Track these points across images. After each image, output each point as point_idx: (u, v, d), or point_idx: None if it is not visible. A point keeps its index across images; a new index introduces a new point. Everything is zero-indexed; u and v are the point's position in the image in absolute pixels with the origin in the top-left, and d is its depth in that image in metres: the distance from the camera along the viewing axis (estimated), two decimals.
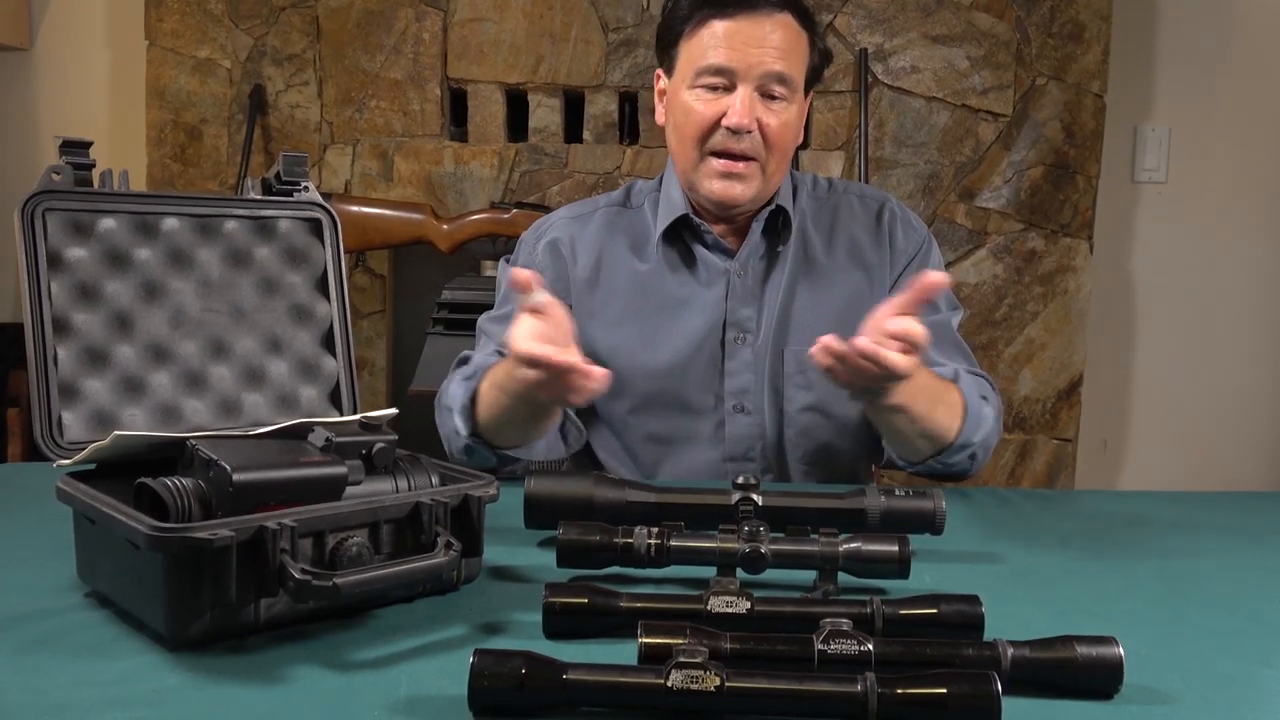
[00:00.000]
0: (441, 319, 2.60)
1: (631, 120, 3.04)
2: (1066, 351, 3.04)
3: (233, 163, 3.02)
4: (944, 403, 1.34)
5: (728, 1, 1.40)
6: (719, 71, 1.40)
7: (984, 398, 1.40)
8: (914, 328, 1.13)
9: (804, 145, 2.98)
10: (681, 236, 1.51)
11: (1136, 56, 3.19)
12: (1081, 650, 0.79)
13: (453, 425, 1.37)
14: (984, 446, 1.39)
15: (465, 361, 1.50)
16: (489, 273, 2.81)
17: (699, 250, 1.50)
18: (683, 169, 1.48)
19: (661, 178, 1.57)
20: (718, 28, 1.40)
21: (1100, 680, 0.79)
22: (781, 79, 1.40)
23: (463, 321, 2.54)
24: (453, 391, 1.39)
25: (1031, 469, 3.08)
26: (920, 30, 2.95)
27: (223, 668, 0.81)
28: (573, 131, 3.06)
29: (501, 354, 1.41)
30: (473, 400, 1.36)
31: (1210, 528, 1.30)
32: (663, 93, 1.51)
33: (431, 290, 2.73)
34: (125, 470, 0.94)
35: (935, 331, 1.46)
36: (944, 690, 0.72)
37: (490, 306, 1.59)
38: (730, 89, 1.40)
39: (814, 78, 1.50)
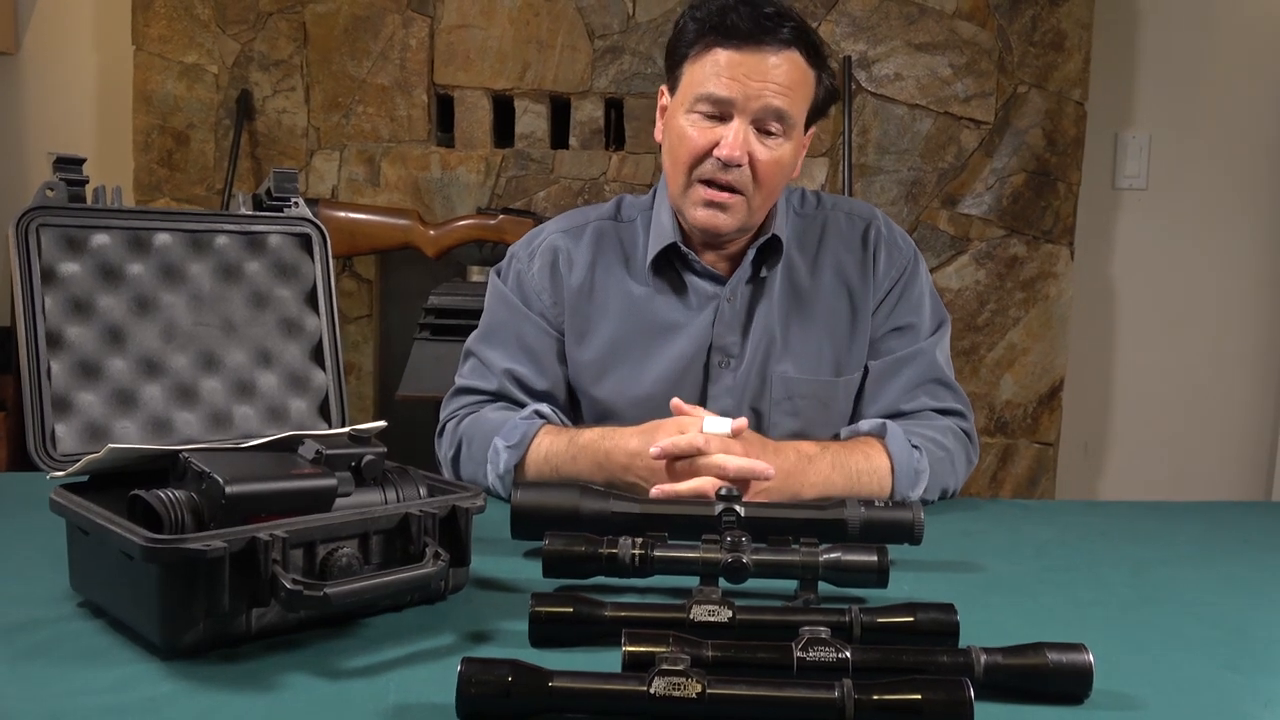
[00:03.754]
0: (428, 324, 2.61)
1: (618, 126, 3.06)
2: (1048, 356, 3.07)
3: (220, 168, 3.03)
4: (866, 474, 1.35)
5: (735, 32, 1.37)
6: (717, 101, 1.38)
7: (916, 447, 1.40)
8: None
9: None
10: (672, 264, 1.51)
11: (1117, 65, 3.23)
12: (1052, 657, 0.81)
13: (488, 484, 1.40)
14: (929, 497, 1.41)
15: (466, 392, 1.51)
16: (476, 278, 2.82)
17: (689, 278, 1.50)
18: (673, 192, 1.47)
19: (653, 195, 1.56)
20: (721, 56, 1.37)
21: (1070, 686, 0.81)
22: (779, 115, 1.38)
23: (450, 327, 2.56)
24: (502, 458, 1.39)
25: (1013, 473, 3.11)
26: (903, 38, 2.98)
27: (216, 676, 0.83)
28: (559, 137, 3.08)
29: (541, 414, 1.43)
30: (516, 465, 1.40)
31: (1183, 537, 1.33)
32: (664, 109, 1.50)
33: (419, 295, 2.74)
34: (117, 482, 0.95)
35: (909, 365, 1.49)
36: (918, 696, 0.74)
37: (477, 313, 1.60)
38: (726, 119, 1.39)
39: (816, 114, 1.47)
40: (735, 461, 1.24)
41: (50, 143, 3.24)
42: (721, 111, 1.39)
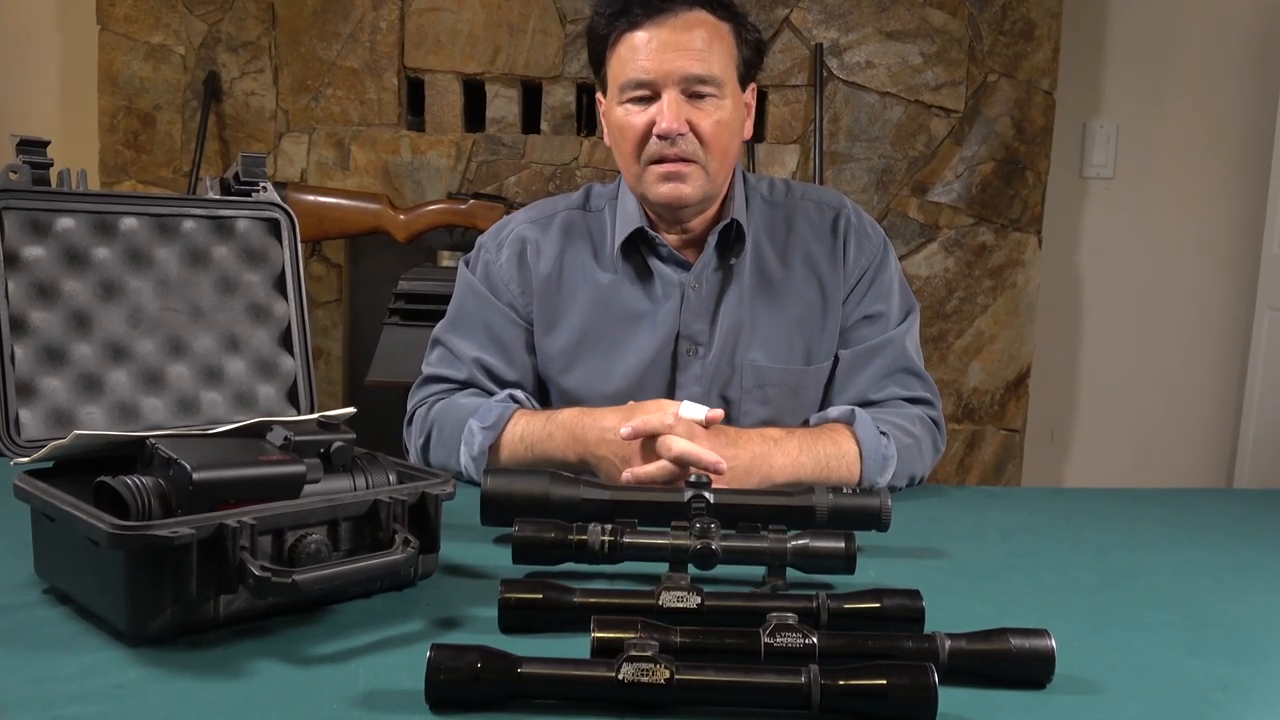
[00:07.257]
0: (398, 309, 2.60)
1: (589, 112, 3.05)
2: (1015, 344, 3.10)
3: (187, 150, 2.99)
4: (834, 459, 1.36)
5: (636, 11, 1.39)
6: (640, 84, 1.40)
7: (884, 433, 1.41)
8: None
9: (759, 139, 3.01)
10: (638, 250, 1.52)
11: (1086, 55, 3.25)
12: (1015, 642, 0.82)
13: (460, 467, 1.41)
14: (897, 483, 1.42)
15: (435, 380, 1.51)
16: (446, 263, 2.81)
17: (655, 264, 1.51)
18: (631, 184, 1.49)
19: (618, 184, 1.56)
20: (633, 40, 1.40)
21: (1033, 671, 0.82)
22: (703, 79, 1.40)
23: (419, 312, 2.55)
24: (477, 439, 1.39)
25: (980, 459, 3.14)
26: (875, 26, 2.99)
27: (183, 663, 0.82)
28: (530, 122, 3.06)
29: (515, 399, 1.44)
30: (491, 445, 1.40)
31: (1146, 523, 1.35)
32: (605, 113, 1.51)
33: (388, 280, 2.73)
34: (83, 468, 0.94)
35: (878, 354, 1.50)
36: (884, 681, 0.75)
37: (447, 299, 1.59)
38: (656, 98, 1.40)
39: (749, 68, 1.48)
40: (680, 444, 1.25)
41: (13, 125, 3.19)
42: (649, 92, 1.41)
